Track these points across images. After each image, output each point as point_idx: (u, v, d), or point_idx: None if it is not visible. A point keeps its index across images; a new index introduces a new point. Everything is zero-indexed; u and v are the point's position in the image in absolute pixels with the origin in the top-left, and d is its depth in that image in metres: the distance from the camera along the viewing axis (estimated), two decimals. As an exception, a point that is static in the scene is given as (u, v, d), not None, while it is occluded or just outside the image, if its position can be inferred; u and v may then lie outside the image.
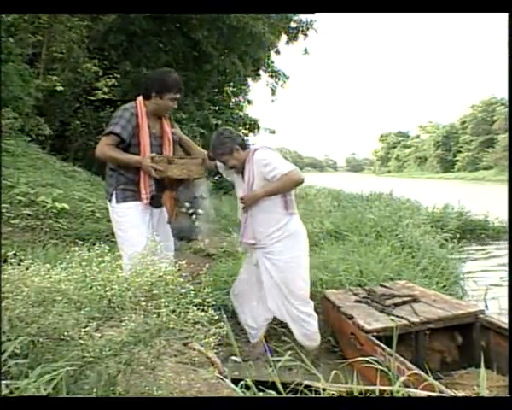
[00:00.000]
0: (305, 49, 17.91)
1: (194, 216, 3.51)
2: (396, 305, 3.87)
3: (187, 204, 3.51)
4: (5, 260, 3.06)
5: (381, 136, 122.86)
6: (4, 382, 1.50)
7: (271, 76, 18.17)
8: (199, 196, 3.60)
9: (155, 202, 3.55)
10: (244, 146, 3.73)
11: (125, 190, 3.46)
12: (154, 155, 3.41)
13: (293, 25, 16.70)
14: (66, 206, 6.06)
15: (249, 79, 18.19)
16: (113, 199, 3.49)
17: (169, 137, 3.66)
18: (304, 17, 16.79)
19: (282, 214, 3.68)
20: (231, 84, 17.69)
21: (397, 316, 3.58)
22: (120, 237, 3.50)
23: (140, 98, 3.56)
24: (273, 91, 18.43)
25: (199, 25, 13.36)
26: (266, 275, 3.73)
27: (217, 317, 2.20)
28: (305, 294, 3.77)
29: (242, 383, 2.12)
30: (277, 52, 18.22)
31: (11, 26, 10.42)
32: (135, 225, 3.42)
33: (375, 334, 3.38)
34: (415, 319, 3.55)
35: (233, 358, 3.45)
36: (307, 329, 3.79)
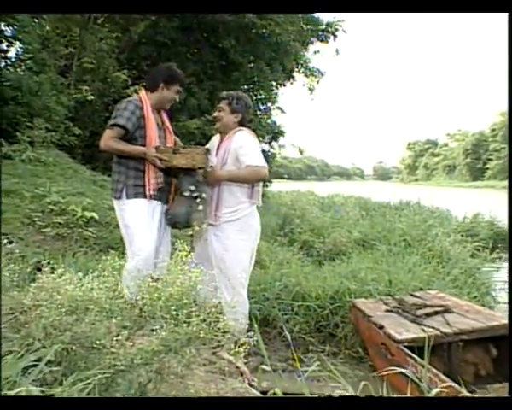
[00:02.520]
0: (337, 50, 17.85)
1: (198, 200, 3.46)
2: (427, 315, 3.80)
3: (192, 187, 3.45)
4: (38, 269, 3.12)
5: (409, 144, 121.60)
6: (39, 388, 1.52)
7: (306, 75, 18.06)
8: (203, 180, 3.57)
9: (165, 198, 3.55)
10: (242, 121, 3.75)
11: (136, 186, 3.42)
12: (158, 144, 3.42)
13: (322, 27, 16.66)
14: (95, 215, 6.11)
15: (279, 85, 18.06)
16: (123, 195, 3.42)
17: (169, 129, 3.70)
18: (331, 17, 16.82)
19: (244, 201, 3.65)
20: (260, 91, 17.69)
21: (428, 326, 3.51)
22: (128, 235, 3.44)
23: (143, 92, 3.60)
24: (311, 90, 18.31)
25: (226, 34, 13.47)
26: (212, 252, 3.68)
27: (247, 326, 2.20)
28: (238, 282, 3.65)
29: (271, 392, 2.10)
30: (316, 52, 18.12)
31: (45, 39, 10.69)
32: (144, 223, 3.39)
33: (406, 344, 3.31)
34: (447, 330, 3.48)
35: (263, 367, 3.42)
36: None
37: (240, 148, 3.55)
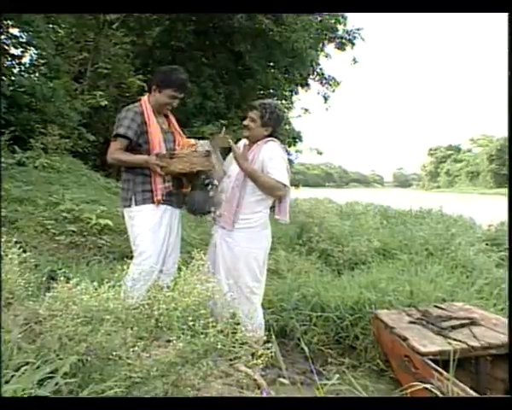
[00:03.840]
0: (354, 59, 17.86)
1: (209, 186, 3.46)
2: (453, 327, 3.74)
3: (203, 176, 3.46)
4: (52, 278, 3.14)
5: (430, 150, 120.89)
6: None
7: (322, 83, 18.11)
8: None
9: (176, 202, 3.56)
10: (272, 134, 3.74)
11: (144, 192, 3.44)
12: (158, 151, 3.40)
13: (339, 33, 16.69)
14: (109, 222, 6.15)
15: (294, 92, 18.11)
16: (132, 202, 3.45)
17: (180, 133, 3.70)
18: (350, 25, 16.84)
19: (261, 211, 3.63)
20: (275, 98, 17.76)
21: (455, 339, 3.45)
22: (135, 242, 3.46)
23: (145, 96, 3.60)
24: (325, 99, 18.38)
25: (242, 39, 13.54)
26: (222, 258, 3.65)
27: (265, 337, 2.19)
28: (250, 292, 3.62)
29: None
30: (327, 56, 18.12)
31: (59, 44, 10.83)
32: (151, 230, 3.41)
33: (431, 357, 3.26)
34: (475, 344, 3.41)
35: (281, 380, 3.41)
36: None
37: (269, 160, 3.55)
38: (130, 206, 3.48)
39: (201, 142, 3.62)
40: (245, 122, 3.73)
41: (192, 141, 3.72)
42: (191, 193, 3.56)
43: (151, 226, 3.41)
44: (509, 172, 2.51)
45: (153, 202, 3.43)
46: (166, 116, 3.69)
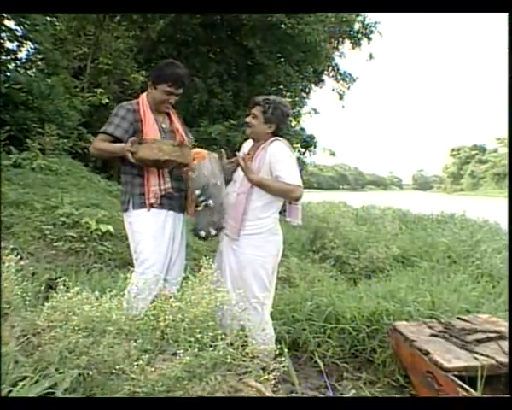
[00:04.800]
0: (370, 55, 17.82)
1: (204, 204, 3.42)
2: (479, 341, 3.69)
3: (197, 192, 3.42)
4: (50, 287, 3.16)
5: (453, 150, 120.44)
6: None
7: (337, 80, 18.10)
8: (211, 183, 3.50)
9: (178, 206, 3.55)
10: (276, 131, 3.71)
11: (141, 195, 3.42)
12: (133, 138, 3.32)
13: (356, 27, 16.67)
14: (110, 228, 6.15)
15: (308, 89, 18.08)
16: (130, 206, 3.44)
17: (180, 131, 3.65)
18: (367, 19, 16.79)
19: (269, 215, 3.62)
20: (286, 95, 17.72)
21: (481, 354, 3.42)
22: (136, 250, 3.44)
23: (144, 94, 3.60)
24: (341, 96, 18.37)
25: (251, 33, 13.55)
26: (228, 266, 3.63)
27: (276, 350, 2.18)
28: (258, 302, 3.60)
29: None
30: (342, 55, 18.14)
31: (58, 38, 10.87)
32: (153, 236, 3.39)
33: (455, 373, 3.22)
34: (503, 359, 3.36)
35: (294, 396, 3.40)
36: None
37: (276, 162, 3.51)
38: (128, 210, 3.47)
39: (209, 158, 3.56)
40: (247, 119, 3.70)
41: (198, 151, 3.67)
42: (195, 214, 3.53)
43: (153, 232, 3.39)
44: (508, 172, 2.53)
45: (151, 206, 3.40)
46: (168, 115, 3.69)
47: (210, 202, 3.44)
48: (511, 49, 2.28)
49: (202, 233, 3.49)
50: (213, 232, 3.52)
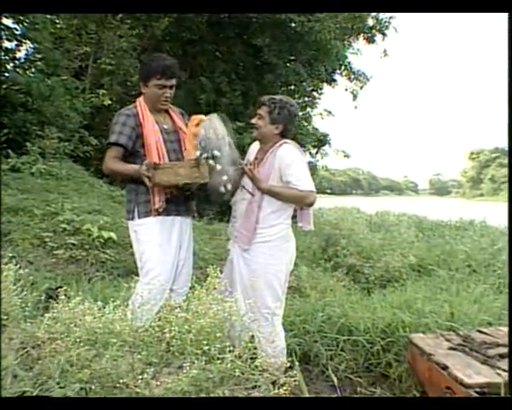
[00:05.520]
0: (385, 51, 17.77)
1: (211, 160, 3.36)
2: (501, 356, 3.64)
3: (197, 153, 3.37)
4: (50, 297, 3.17)
5: (472, 153, 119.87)
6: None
7: (350, 79, 18.01)
8: (212, 138, 3.44)
9: (185, 210, 3.55)
10: (284, 132, 3.70)
11: (146, 203, 3.42)
12: (147, 161, 3.30)
13: (370, 23, 16.62)
14: (113, 235, 6.17)
15: (319, 88, 18.05)
16: (135, 215, 3.45)
17: (184, 131, 3.62)
18: (381, 13, 16.72)
19: (281, 222, 3.61)
20: (296, 95, 17.67)
21: (504, 370, 3.38)
22: (141, 260, 3.44)
23: (141, 97, 3.59)
24: (354, 96, 18.25)
25: (260, 31, 13.56)
26: (239, 276, 3.61)
27: (288, 364, 2.18)
28: (270, 313, 3.58)
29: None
30: (356, 52, 18.08)
31: (58, 37, 10.90)
32: (159, 246, 3.39)
33: (477, 390, 3.19)
34: (529, 376, 3.35)
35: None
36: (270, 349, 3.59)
37: (286, 167, 3.50)
38: (133, 219, 3.48)
39: (208, 118, 3.48)
40: (253, 120, 3.69)
41: (198, 117, 3.57)
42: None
43: (159, 241, 3.39)
44: (508, 173, 2.54)
45: (157, 213, 3.41)
46: (169, 114, 3.67)
47: (215, 152, 3.38)
48: (511, 49, 2.32)
49: (222, 189, 3.43)
50: (229, 187, 3.48)
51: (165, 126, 3.56)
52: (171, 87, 3.54)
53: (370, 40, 16.95)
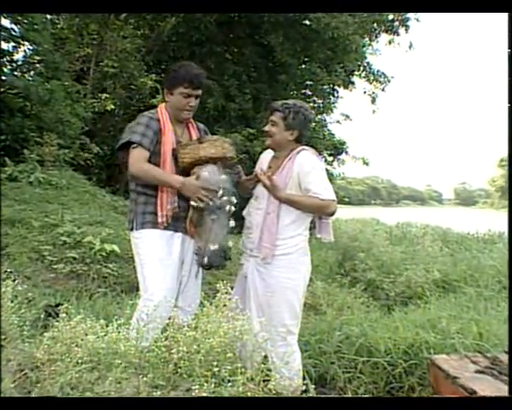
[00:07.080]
0: (410, 44, 17.60)
1: (227, 208, 3.39)
2: (534, 380, 3.64)
3: (220, 192, 3.40)
4: (49, 314, 3.18)
5: (501, 160, 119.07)
6: None
7: (369, 81, 17.89)
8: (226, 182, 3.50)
9: (181, 226, 3.50)
10: (299, 138, 3.70)
11: (145, 214, 3.45)
12: (181, 142, 3.43)
13: (390, 16, 16.48)
14: (116, 248, 6.18)
15: (336, 90, 18.00)
16: (134, 225, 3.47)
17: None
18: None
19: (301, 233, 3.61)
20: (310, 100, 17.58)
21: (537, 395, 3.36)
22: (141, 274, 3.44)
23: (162, 104, 3.64)
24: (373, 99, 18.18)
25: (272, 29, 13.54)
26: (253, 292, 3.60)
27: (303, 387, 2.17)
28: (286, 331, 3.56)
29: None
30: (376, 52, 18.05)
31: (58, 38, 10.96)
32: (158, 260, 3.38)
33: (508, 417, 3.17)
34: None
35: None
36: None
37: (306, 174, 3.52)
38: (132, 229, 3.51)
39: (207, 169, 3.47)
40: (265, 128, 3.70)
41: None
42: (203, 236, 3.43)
43: (159, 254, 3.40)
44: (509, 175, 2.55)
45: (157, 226, 3.41)
46: (188, 129, 3.70)
47: (233, 198, 3.43)
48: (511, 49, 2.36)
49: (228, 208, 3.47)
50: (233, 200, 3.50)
51: (181, 140, 3.57)
52: (196, 97, 3.58)
53: (394, 32, 16.66)
